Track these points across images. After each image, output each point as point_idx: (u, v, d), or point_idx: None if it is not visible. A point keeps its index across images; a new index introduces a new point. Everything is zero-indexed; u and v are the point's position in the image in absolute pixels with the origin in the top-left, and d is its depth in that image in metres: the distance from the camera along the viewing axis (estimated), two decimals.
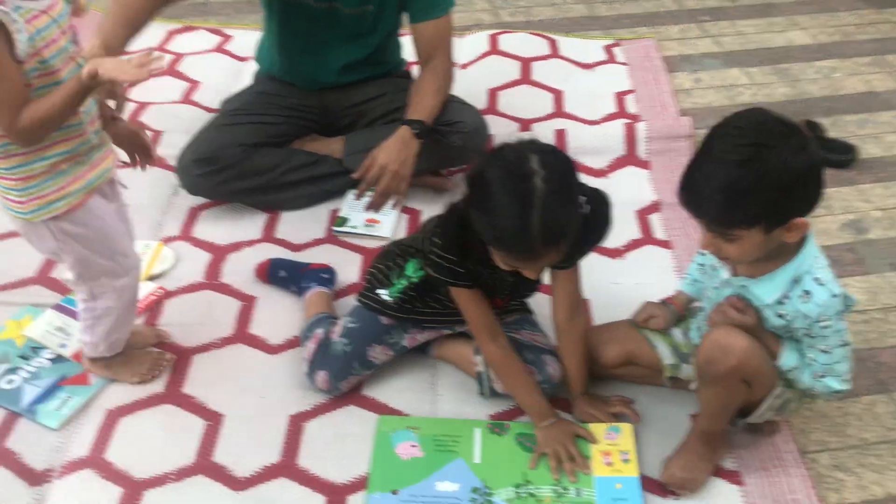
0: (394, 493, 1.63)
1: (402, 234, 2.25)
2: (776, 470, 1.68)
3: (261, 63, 2.48)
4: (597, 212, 1.58)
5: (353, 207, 2.30)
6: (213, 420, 1.79)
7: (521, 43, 3.09)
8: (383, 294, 1.79)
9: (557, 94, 2.82)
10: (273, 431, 1.76)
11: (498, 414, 1.80)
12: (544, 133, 2.58)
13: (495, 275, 1.64)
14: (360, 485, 1.66)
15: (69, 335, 1.93)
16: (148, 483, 1.66)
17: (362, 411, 1.80)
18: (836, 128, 2.69)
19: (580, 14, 3.39)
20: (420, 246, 1.72)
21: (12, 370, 1.87)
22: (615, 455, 1.69)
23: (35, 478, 1.67)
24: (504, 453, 1.70)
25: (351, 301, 1.97)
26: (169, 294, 2.08)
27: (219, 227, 2.29)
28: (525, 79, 2.91)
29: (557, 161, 1.48)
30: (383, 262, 1.83)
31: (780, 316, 1.50)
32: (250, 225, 2.30)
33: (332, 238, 2.26)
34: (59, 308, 2.00)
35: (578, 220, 1.49)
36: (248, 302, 2.06)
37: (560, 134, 2.56)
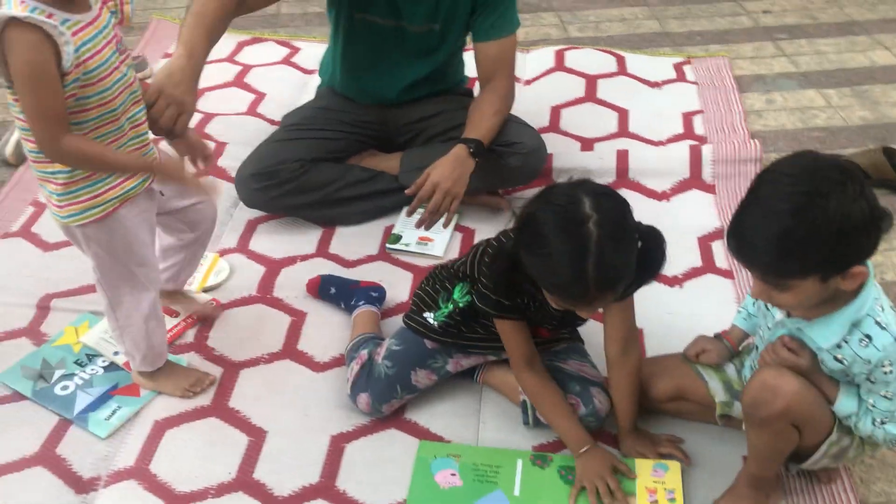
0: None
1: (454, 253, 2.23)
2: (825, 498, 1.60)
3: (323, 77, 2.49)
4: (651, 249, 1.52)
5: (406, 225, 2.29)
6: (256, 436, 1.79)
7: (588, 59, 3.04)
8: (429, 317, 1.77)
9: (622, 113, 2.76)
10: (314, 451, 1.76)
11: (541, 445, 1.76)
12: (606, 153, 2.54)
13: (542, 308, 1.60)
14: None
15: None
16: (188, 497, 1.67)
17: (404, 435, 1.78)
18: None
19: (651, 30, 3.32)
20: (468, 271, 1.70)
21: (68, 376, 1.92)
22: (661, 493, 1.64)
23: (82, 486, 1.71)
24: (545, 487, 1.66)
25: (399, 320, 1.95)
26: (222, 306, 2.10)
27: (274, 241, 2.31)
28: (590, 96, 2.86)
29: (611, 204, 1.44)
30: (431, 285, 1.81)
31: (838, 360, 1.43)
32: (305, 239, 2.31)
33: (384, 255, 2.25)
34: None
35: (633, 263, 1.45)
36: (297, 317, 2.07)
37: (622, 155, 2.51)
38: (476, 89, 2.35)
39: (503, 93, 2.24)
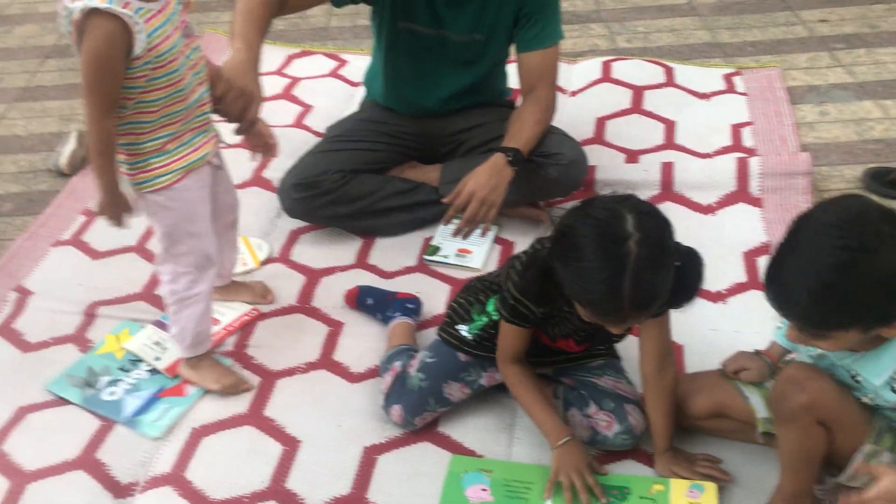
0: None
1: (493, 265, 2.22)
2: None
3: (368, 89, 2.51)
4: (689, 271, 1.49)
5: (445, 236, 2.28)
6: (290, 445, 1.80)
7: (635, 70, 3.00)
8: (463, 330, 1.76)
9: (669, 125, 2.72)
10: (346, 462, 1.76)
11: None
12: (651, 165, 2.49)
13: (567, 320, 1.58)
14: None
15: (165, 349, 2.01)
16: None
17: (436, 449, 1.77)
18: None
19: (701, 40, 3.26)
20: (502, 282, 1.69)
21: (114, 382, 1.96)
22: None
23: (120, 490, 1.74)
24: None
25: (435, 332, 1.95)
26: (262, 315, 2.12)
27: (315, 251, 2.32)
28: (636, 108, 2.82)
29: (654, 223, 1.41)
30: (465, 297, 1.80)
31: (894, 390, 1.37)
32: (345, 250, 2.32)
33: (422, 266, 2.25)
34: (158, 324, 2.08)
35: (669, 284, 1.42)
36: (335, 327, 2.08)
37: (667, 167, 2.46)
38: (519, 102, 2.34)
39: (545, 103, 2.22)
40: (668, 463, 1.66)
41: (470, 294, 1.79)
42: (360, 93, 2.66)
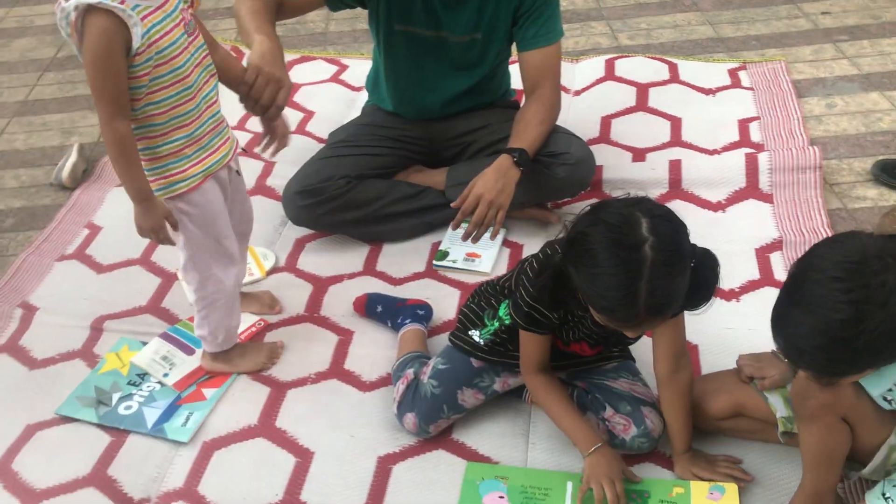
0: None
1: (502, 269, 2.19)
2: None
3: (369, 93, 2.49)
4: (704, 273, 1.46)
5: (454, 241, 2.26)
6: (302, 457, 1.78)
7: (639, 67, 2.97)
8: (475, 335, 1.74)
9: (675, 122, 2.69)
10: (361, 472, 1.73)
11: None
12: (658, 163, 2.47)
13: (581, 324, 1.56)
14: None
15: (173, 365, 1.98)
16: None
17: (451, 456, 1.75)
18: None
19: (704, 36, 3.23)
20: (513, 287, 1.66)
21: (127, 397, 1.93)
22: None
23: None
24: None
25: (446, 339, 1.92)
26: (270, 326, 2.10)
27: (322, 259, 2.30)
28: (641, 105, 2.79)
29: (669, 227, 1.38)
30: (476, 303, 1.78)
31: (887, 400, 1.36)
32: (352, 257, 2.30)
33: (431, 272, 2.23)
34: (165, 337, 2.06)
35: (685, 288, 1.40)
36: (345, 336, 2.06)
37: (675, 165, 2.44)
38: (523, 102, 2.31)
39: (549, 102, 2.20)
40: (688, 464, 1.64)
41: (481, 299, 1.77)
42: (362, 97, 2.64)
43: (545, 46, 2.20)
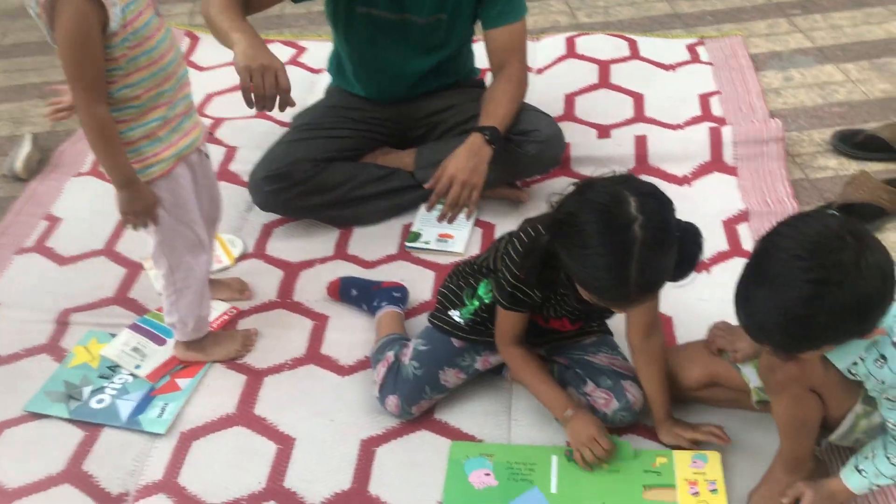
0: None
1: (476, 249, 2.19)
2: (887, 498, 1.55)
3: (332, 76, 2.45)
4: (688, 246, 1.46)
5: (425, 222, 2.25)
6: (284, 443, 1.76)
7: (599, 45, 2.98)
8: (455, 315, 1.74)
9: (638, 98, 2.71)
10: (344, 456, 1.72)
11: None
12: (624, 139, 2.49)
13: (564, 301, 1.58)
14: None
15: (145, 356, 1.94)
16: None
17: (434, 436, 1.74)
18: None
19: (661, 12, 3.26)
20: (492, 265, 1.66)
21: (98, 390, 1.89)
22: (702, 485, 1.60)
23: (111, 501, 1.68)
24: (582, 482, 1.62)
25: (423, 320, 1.92)
26: (241, 314, 2.07)
27: (291, 244, 2.27)
28: (603, 82, 2.80)
29: (657, 205, 1.38)
30: (455, 283, 1.77)
31: (852, 374, 1.38)
32: (323, 241, 2.27)
33: (404, 254, 2.21)
34: (135, 328, 2.01)
35: (673, 264, 1.41)
36: (319, 321, 2.04)
37: (640, 140, 2.46)
38: (488, 80, 2.30)
39: (517, 79, 2.19)
40: (670, 430, 1.66)
41: (460, 279, 1.76)
42: (323, 80, 2.61)
43: (511, 23, 2.19)
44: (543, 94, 2.69)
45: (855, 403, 1.47)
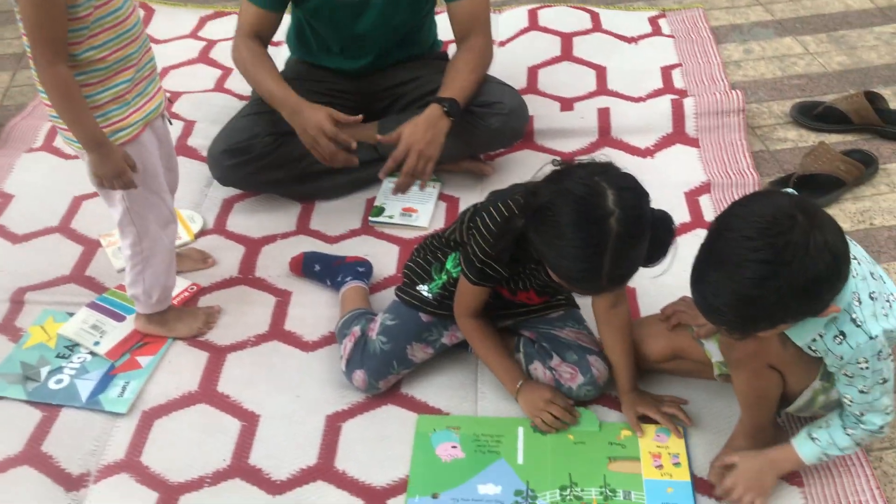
0: (434, 496, 1.58)
1: (440, 223, 2.18)
2: (839, 470, 1.58)
3: (292, 49, 2.41)
4: (661, 236, 1.45)
5: (389, 196, 2.23)
6: (248, 420, 1.74)
7: (562, 17, 2.97)
8: (423, 290, 1.73)
9: (600, 71, 2.71)
10: (310, 432, 1.71)
11: None
12: (587, 112, 2.48)
13: (532, 275, 1.57)
14: (399, 488, 1.60)
15: (104, 333, 1.91)
16: (184, 487, 1.63)
17: (401, 410, 1.74)
18: None
19: None
20: (459, 238, 1.65)
21: (56, 370, 1.85)
22: (665, 458, 1.62)
23: (71, 483, 1.65)
24: (548, 453, 1.63)
25: (388, 295, 1.91)
26: (203, 290, 2.04)
27: (252, 220, 2.24)
28: (566, 55, 2.80)
29: (634, 199, 1.37)
30: (422, 257, 1.76)
31: (812, 350, 1.40)
32: (284, 216, 2.24)
33: (368, 229, 2.19)
34: (93, 306, 1.97)
35: (644, 255, 1.41)
36: (282, 297, 2.01)
37: (603, 113, 2.46)
38: (451, 52, 2.28)
39: (479, 50, 2.17)
40: (633, 403, 1.67)
41: (427, 253, 1.75)
42: (282, 52, 2.55)
43: None
44: (506, 66, 2.67)
45: (814, 379, 1.49)
